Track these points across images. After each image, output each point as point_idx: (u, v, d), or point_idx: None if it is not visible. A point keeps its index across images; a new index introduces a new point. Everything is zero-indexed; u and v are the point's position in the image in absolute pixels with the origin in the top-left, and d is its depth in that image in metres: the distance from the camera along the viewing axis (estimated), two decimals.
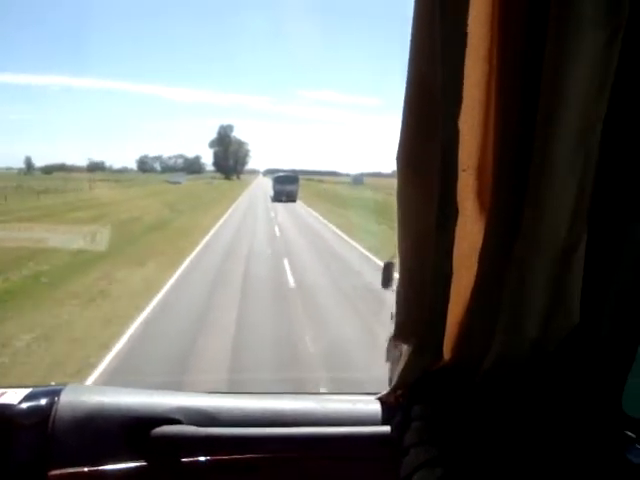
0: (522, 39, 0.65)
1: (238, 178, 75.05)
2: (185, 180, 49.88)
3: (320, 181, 65.25)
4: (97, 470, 0.84)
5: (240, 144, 75.42)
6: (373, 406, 0.96)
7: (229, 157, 75.69)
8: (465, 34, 0.65)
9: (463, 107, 0.67)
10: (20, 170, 54.29)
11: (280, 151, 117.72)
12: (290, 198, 33.19)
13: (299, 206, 30.00)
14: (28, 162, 56.97)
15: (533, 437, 0.76)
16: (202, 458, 0.88)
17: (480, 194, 0.70)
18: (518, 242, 0.69)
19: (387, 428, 0.90)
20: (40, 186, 32.13)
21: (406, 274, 0.79)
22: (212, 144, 74.86)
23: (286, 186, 35.54)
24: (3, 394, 0.90)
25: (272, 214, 23.51)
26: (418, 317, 0.80)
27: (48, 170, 55.67)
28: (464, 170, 0.70)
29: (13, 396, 0.89)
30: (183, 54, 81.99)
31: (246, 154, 77.97)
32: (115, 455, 0.86)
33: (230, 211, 24.73)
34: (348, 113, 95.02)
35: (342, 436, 0.91)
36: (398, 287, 0.80)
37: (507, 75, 0.66)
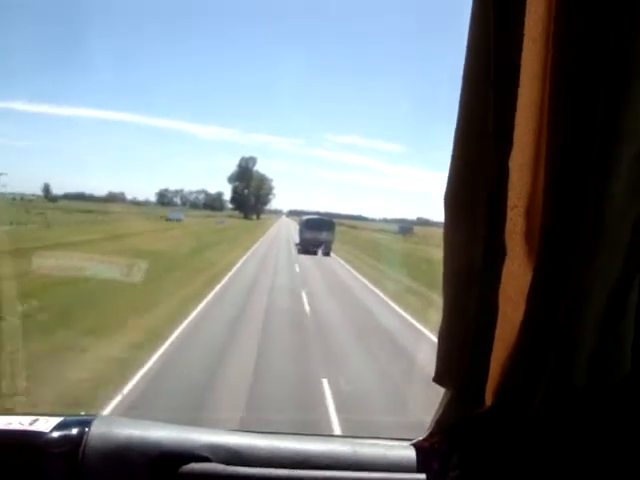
0: (575, 79, 0.65)
1: (258, 218, 66.51)
2: (184, 216, 43.51)
3: (352, 227, 55.84)
4: None
5: (262, 180, 67.13)
6: (408, 452, 0.93)
7: (250, 194, 67.16)
8: (517, 77, 0.66)
9: (514, 146, 0.68)
10: (28, 196, 52.77)
11: (305, 193, 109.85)
12: (323, 250, 24.49)
13: (348, 276, 19.78)
14: (46, 189, 56.42)
15: None
16: None
17: (528, 233, 0.70)
18: (568, 285, 0.67)
19: (422, 476, 0.88)
20: None
21: (449, 315, 0.78)
22: (231, 178, 66.91)
23: (319, 233, 26.71)
24: (35, 421, 0.91)
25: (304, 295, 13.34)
26: (460, 360, 0.78)
27: (53, 199, 54.86)
28: (512, 209, 0.70)
29: (44, 424, 0.90)
30: (214, 94, 77.20)
31: (269, 191, 69.54)
32: None
33: (227, 280, 14.81)
34: (374, 159, 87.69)
35: None
36: (441, 328, 0.79)
37: (558, 114, 0.66)
